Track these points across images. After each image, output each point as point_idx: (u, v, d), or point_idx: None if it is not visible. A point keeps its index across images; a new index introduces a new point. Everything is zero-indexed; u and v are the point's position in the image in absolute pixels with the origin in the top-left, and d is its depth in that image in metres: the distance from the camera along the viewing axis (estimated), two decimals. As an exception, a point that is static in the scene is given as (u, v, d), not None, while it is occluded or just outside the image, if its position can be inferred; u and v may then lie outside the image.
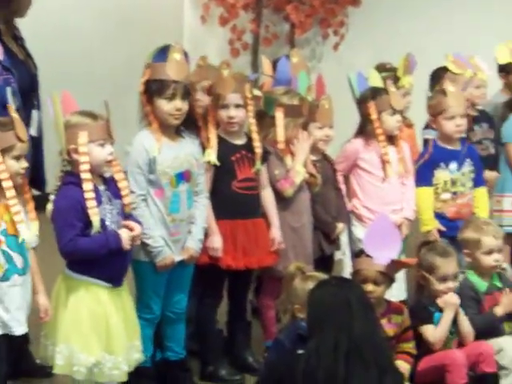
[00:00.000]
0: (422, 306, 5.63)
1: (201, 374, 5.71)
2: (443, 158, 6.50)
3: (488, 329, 5.71)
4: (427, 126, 6.99)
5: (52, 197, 4.77)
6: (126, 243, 4.75)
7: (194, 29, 10.79)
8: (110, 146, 4.81)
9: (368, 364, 4.13)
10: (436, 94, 6.61)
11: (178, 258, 5.32)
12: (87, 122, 4.73)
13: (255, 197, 5.74)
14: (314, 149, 6.12)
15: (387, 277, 5.33)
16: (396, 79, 6.99)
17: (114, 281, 4.83)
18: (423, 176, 6.49)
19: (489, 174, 7.09)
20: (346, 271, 6.15)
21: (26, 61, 5.66)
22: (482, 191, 6.67)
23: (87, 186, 4.67)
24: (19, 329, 4.61)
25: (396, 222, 6.28)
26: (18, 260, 4.54)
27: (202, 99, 5.83)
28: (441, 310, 5.57)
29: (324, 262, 6.21)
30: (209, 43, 10.78)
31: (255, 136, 5.74)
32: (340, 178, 6.41)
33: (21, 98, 5.27)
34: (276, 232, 5.79)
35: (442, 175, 6.50)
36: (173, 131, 5.31)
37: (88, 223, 4.67)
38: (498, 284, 5.94)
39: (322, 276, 4.94)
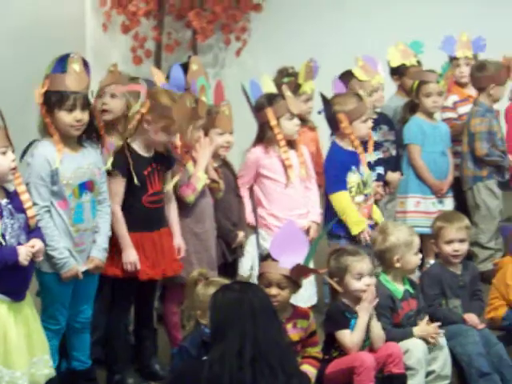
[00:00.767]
0: (339, 312, 5.62)
1: (107, 383, 5.67)
2: (354, 161, 6.56)
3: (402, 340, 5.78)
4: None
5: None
6: (23, 258, 4.70)
7: (96, 37, 10.74)
8: (11, 153, 4.79)
9: (274, 370, 4.11)
10: (350, 98, 6.65)
11: (82, 269, 5.29)
12: None
13: (162, 209, 5.72)
14: (215, 155, 6.12)
15: (292, 281, 5.32)
16: (298, 85, 7.00)
17: (14, 295, 4.79)
18: (338, 180, 6.52)
19: (391, 176, 7.20)
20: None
21: None
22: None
23: None
24: None
25: (304, 226, 6.37)
26: None
27: (110, 104, 5.83)
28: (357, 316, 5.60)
29: (227, 268, 6.24)
30: (111, 51, 10.74)
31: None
32: (245, 192, 6.44)
33: None
34: (179, 242, 5.78)
35: (353, 178, 6.55)
36: (74, 141, 5.27)
37: None
38: (410, 290, 6.01)
39: (225, 281, 4.93)
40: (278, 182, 6.41)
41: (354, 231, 6.47)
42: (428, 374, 5.81)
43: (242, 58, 10.59)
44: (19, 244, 4.75)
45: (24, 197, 4.85)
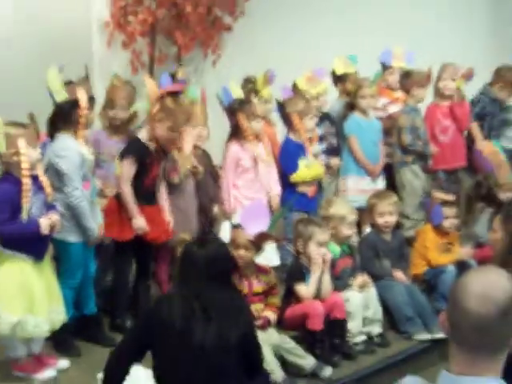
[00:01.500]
0: (298, 269, 5.73)
1: (110, 326, 5.72)
2: (302, 150, 6.65)
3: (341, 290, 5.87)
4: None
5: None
6: (44, 228, 4.77)
7: (101, 52, 10.65)
8: (38, 149, 4.85)
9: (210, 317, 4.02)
10: (299, 100, 6.71)
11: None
12: (22, 131, 4.74)
13: (155, 189, 5.77)
14: (195, 146, 6.15)
15: (255, 245, 5.40)
16: (257, 91, 7.01)
17: (37, 256, 4.84)
18: (294, 164, 6.62)
19: (333, 161, 7.22)
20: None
21: None
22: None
23: (26, 180, 4.71)
24: None
25: (274, 198, 6.49)
26: None
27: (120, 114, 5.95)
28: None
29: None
30: (114, 63, 10.64)
31: None
32: (228, 186, 6.43)
33: None
34: (168, 217, 5.83)
35: (302, 163, 6.64)
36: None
37: (14, 212, 4.70)
38: (346, 250, 6.12)
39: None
40: (251, 170, 6.45)
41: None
42: (363, 319, 5.93)
43: (217, 67, 10.54)
44: (40, 217, 4.81)
45: (44, 179, 4.90)
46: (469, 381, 2.35)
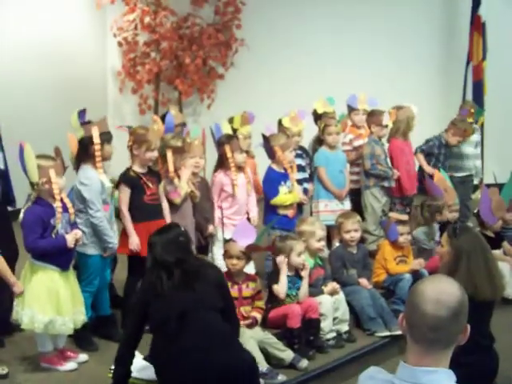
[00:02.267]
0: (275, 274, 5.72)
1: (122, 325, 5.61)
2: (283, 178, 6.63)
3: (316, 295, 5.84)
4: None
5: (22, 211, 4.79)
6: (70, 243, 4.80)
7: (114, 97, 10.73)
8: (64, 177, 4.87)
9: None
10: (281, 136, 6.69)
11: (115, 249, 5.38)
12: (52, 163, 4.76)
13: (159, 205, 5.69)
14: (193, 174, 6.13)
15: (246, 255, 5.42)
16: (235, 129, 6.88)
17: (63, 266, 4.86)
18: (275, 190, 6.58)
19: (309, 187, 7.21)
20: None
21: None
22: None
23: (58, 204, 4.76)
24: None
25: (253, 219, 6.45)
26: None
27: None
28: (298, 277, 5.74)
29: (202, 249, 6.31)
30: (125, 106, 10.74)
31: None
32: (217, 210, 6.38)
33: None
34: None
35: (283, 189, 6.61)
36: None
37: (44, 230, 4.72)
38: (319, 262, 6.10)
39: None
40: (231, 194, 6.40)
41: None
42: (334, 319, 5.92)
43: (211, 109, 10.61)
44: (66, 233, 4.85)
45: (67, 201, 4.92)
46: (423, 370, 2.36)
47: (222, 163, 6.42)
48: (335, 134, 7.26)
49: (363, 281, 6.25)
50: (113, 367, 4.54)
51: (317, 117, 7.58)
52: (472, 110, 8.51)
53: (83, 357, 5.09)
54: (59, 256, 4.79)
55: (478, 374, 4.11)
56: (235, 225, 6.03)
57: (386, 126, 7.61)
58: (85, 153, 5.25)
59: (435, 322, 2.34)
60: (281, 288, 5.64)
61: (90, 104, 5.59)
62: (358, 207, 7.55)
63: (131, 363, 4.47)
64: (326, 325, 5.76)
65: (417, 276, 6.23)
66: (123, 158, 5.80)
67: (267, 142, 6.62)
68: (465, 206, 8.20)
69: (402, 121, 7.67)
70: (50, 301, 4.74)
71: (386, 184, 7.56)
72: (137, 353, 4.54)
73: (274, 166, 6.67)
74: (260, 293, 5.59)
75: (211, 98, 10.64)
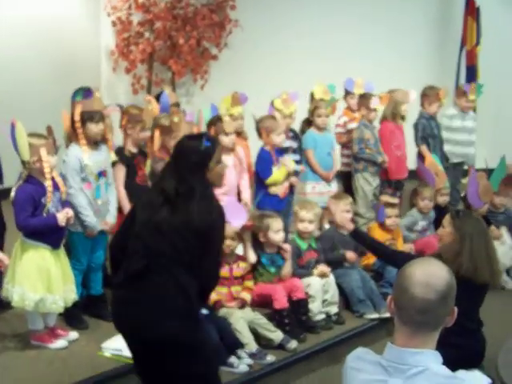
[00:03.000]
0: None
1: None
2: (272, 159, 6.57)
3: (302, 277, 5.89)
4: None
5: (13, 189, 4.77)
6: (61, 221, 4.78)
7: (107, 76, 10.68)
8: (55, 156, 4.85)
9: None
10: (266, 119, 6.64)
11: (99, 228, 5.31)
12: (43, 142, 4.74)
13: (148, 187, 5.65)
14: None
15: (239, 235, 5.51)
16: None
17: (54, 245, 4.86)
18: (268, 170, 6.54)
19: (300, 168, 7.18)
20: None
21: None
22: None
23: (49, 182, 4.74)
24: None
25: (245, 200, 6.41)
26: None
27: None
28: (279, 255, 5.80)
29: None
30: (118, 86, 10.70)
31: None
32: None
33: None
34: None
35: (275, 169, 6.56)
36: (92, 143, 5.26)
37: (35, 209, 4.72)
38: (314, 245, 6.11)
39: None
40: None
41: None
42: (323, 301, 5.95)
43: (204, 90, 10.59)
44: (57, 211, 4.83)
45: (58, 180, 4.92)
46: (411, 352, 2.39)
47: None
48: (324, 117, 7.24)
49: (349, 253, 6.22)
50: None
51: (313, 101, 7.54)
52: (473, 87, 8.49)
53: (73, 335, 5.09)
54: (50, 234, 4.79)
55: (465, 356, 4.16)
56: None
57: (375, 110, 7.57)
58: (73, 131, 5.25)
59: (424, 305, 2.35)
60: (286, 270, 5.77)
61: (84, 83, 5.55)
62: (349, 190, 7.55)
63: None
64: (314, 306, 5.79)
65: (406, 259, 6.25)
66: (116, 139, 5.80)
67: (257, 124, 6.61)
68: (455, 190, 8.23)
69: (389, 104, 7.66)
70: (41, 279, 4.75)
71: (374, 169, 7.55)
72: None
73: (265, 147, 6.64)
74: (250, 273, 5.63)
75: (204, 78, 10.61)
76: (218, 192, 6.15)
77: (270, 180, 6.54)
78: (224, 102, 6.78)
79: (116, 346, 4.79)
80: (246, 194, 6.53)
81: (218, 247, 3.93)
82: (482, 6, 10.82)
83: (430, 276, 2.37)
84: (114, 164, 5.55)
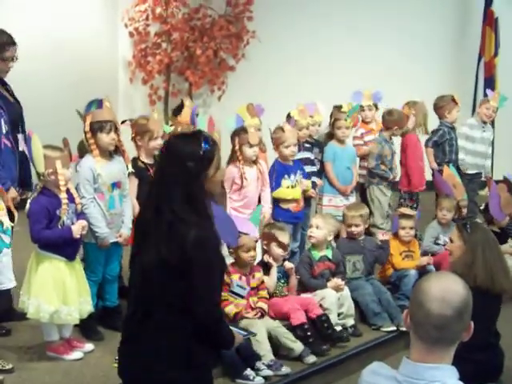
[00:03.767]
0: (265, 264, 5.76)
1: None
2: (287, 171, 6.57)
3: (315, 289, 5.90)
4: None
5: (29, 201, 4.80)
6: (75, 233, 4.80)
7: (125, 87, 10.73)
8: (70, 169, 4.89)
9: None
10: (277, 130, 6.61)
11: (112, 240, 5.29)
12: (59, 154, 4.76)
13: None
14: None
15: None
16: None
17: (69, 256, 4.87)
18: (276, 183, 6.52)
19: (318, 181, 7.19)
20: None
21: (13, 102, 5.42)
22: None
23: (64, 195, 4.76)
24: (10, 284, 4.70)
25: (266, 213, 6.34)
26: (5, 239, 4.57)
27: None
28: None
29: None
30: (135, 97, 10.75)
31: None
32: (228, 202, 6.29)
33: (10, 125, 5.15)
34: None
35: (285, 183, 6.56)
36: (107, 154, 5.27)
37: (50, 221, 4.74)
38: (329, 256, 6.07)
39: None
40: (243, 188, 6.30)
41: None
42: (339, 314, 5.91)
43: (221, 101, 10.62)
44: (72, 223, 4.85)
45: (74, 192, 4.93)
46: (427, 367, 2.36)
47: (232, 156, 6.38)
48: (344, 128, 7.22)
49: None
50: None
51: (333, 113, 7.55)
52: (496, 94, 8.45)
53: (89, 346, 5.09)
54: (65, 246, 4.80)
55: (483, 371, 4.13)
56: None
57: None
58: (86, 142, 5.27)
59: (440, 321, 2.33)
60: (269, 282, 5.69)
61: (101, 94, 5.53)
62: (365, 202, 7.53)
63: None
64: (330, 319, 5.74)
65: (423, 272, 6.21)
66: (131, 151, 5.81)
67: (271, 135, 6.61)
68: (473, 202, 8.18)
69: (418, 116, 7.64)
70: (56, 291, 4.75)
71: (385, 184, 7.52)
72: None
73: (279, 159, 6.62)
74: (263, 283, 5.62)
75: (222, 89, 10.65)
76: (236, 204, 6.29)
77: (276, 194, 6.51)
78: (239, 114, 6.75)
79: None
80: (266, 208, 6.44)
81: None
82: (501, 17, 10.79)
83: (446, 291, 2.35)
84: (128, 175, 5.56)
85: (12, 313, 5.27)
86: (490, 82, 10.71)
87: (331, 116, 7.55)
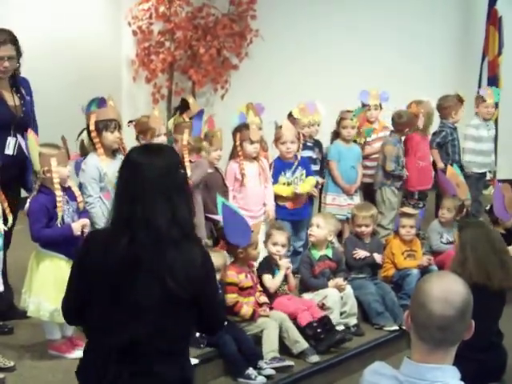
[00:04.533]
0: (267, 263, 5.74)
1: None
2: (284, 168, 6.63)
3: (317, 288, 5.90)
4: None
5: (28, 200, 4.81)
6: (76, 231, 4.78)
7: (128, 85, 10.70)
8: (69, 166, 4.85)
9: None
10: (277, 127, 6.68)
11: (117, 239, 5.30)
12: (55, 152, 4.75)
13: None
14: (210, 164, 6.03)
15: None
16: None
17: (70, 255, 4.77)
18: (274, 179, 6.58)
19: (320, 180, 7.17)
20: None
21: (11, 104, 5.31)
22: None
23: (58, 193, 4.73)
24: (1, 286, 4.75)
25: (269, 210, 6.39)
26: None
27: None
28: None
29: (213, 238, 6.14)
30: (139, 95, 10.73)
31: None
32: (232, 198, 6.27)
33: None
34: None
35: (281, 179, 6.61)
36: (110, 153, 5.28)
37: (50, 219, 4.73)
38: (329, 255, 6.06)
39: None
40: (244, 184, 6.33)
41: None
42: (342, 313, 5.91)
43: (225, 100, 10.59)
44: (73, 221, 4.84)
45: (75, 190, 4.94)
46: (429, 368, 2.35)
47: (233, 152, 6.39)
48: (350, 128, 7.23)
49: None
50: None
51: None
52: (490, 91, 8.43)
53: (91, 345, 5.08)
54: (66, 244, 4.77)
55: (485, 371, 4.11)
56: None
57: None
58: (90, 141, 5.28)
59: (443, 322, 2.32)
60: (273, 283, 5.68)
61: (104, 92, 5.56)
62: (371, 201, 7.47)
63: None
64: (332, 318, 5.75)
65: (425, 271, 6.19)
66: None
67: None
68: (477, 202, 8.16)
69: (424, 115, 7.62)
70: (57, 289, 4.66)
71: (399, 183, 7.54)
72: None
73: (279, 155, 6.68)
74: (258, 278, 5.66)
75: (225, 88, 10.61)
76: (240, 202, 6.27)
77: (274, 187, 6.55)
78: (245, 110, 6.77)
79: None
80: (269, 205, 6.46)
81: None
82: (505, 16, 10.75)
83: (447, 292, 2.33)
84: None
85: (14, 311, 5.27)
86: (494, 81, 10.66)
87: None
